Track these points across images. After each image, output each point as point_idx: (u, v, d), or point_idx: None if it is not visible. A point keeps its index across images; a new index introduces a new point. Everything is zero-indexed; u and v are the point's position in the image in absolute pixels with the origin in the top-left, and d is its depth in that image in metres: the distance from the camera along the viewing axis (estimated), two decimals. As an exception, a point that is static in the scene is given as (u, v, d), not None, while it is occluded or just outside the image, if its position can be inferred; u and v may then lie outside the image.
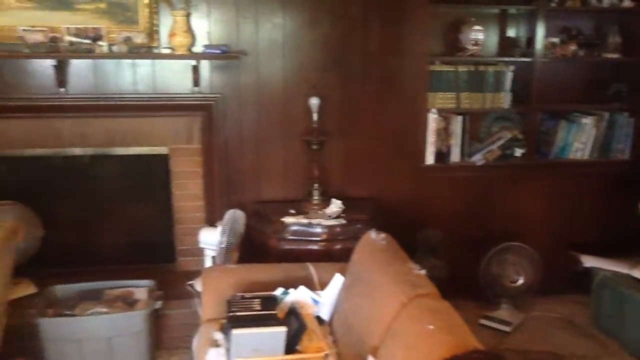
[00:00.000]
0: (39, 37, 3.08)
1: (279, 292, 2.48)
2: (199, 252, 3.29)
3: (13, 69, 3.23)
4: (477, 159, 3.66)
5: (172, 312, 3.18)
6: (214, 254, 3.15)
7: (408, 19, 3.49)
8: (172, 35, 3.18)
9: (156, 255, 3.59)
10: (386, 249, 2.50)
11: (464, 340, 1.81)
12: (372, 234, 2.59)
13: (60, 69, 3.20)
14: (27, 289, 3.15)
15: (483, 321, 3.53)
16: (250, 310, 2.25)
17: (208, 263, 3.22)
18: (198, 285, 3.19)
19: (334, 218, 3.22)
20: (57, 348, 2.80)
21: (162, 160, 3.45)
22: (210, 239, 3.13)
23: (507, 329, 3.47)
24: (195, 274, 3.26)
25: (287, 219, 3.19)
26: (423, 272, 2.29)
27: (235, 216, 3.13)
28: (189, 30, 3.21)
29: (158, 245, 3.60)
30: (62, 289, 3.08)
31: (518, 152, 3.73)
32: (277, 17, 3.38)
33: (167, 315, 3.17)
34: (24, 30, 3.07)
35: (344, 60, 3.48)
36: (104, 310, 2.86)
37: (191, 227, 3.46)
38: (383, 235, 2.58)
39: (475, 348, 1.75)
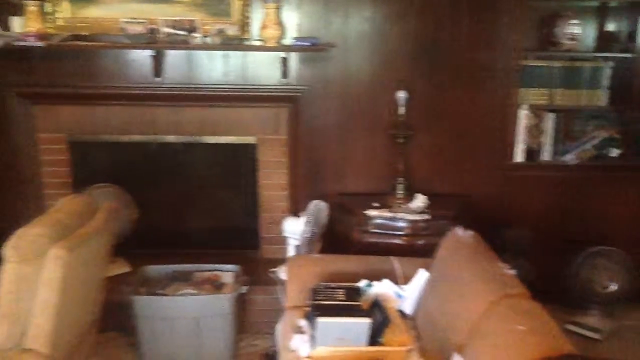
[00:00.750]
0: (139, 29, 3.22)
1: (362, 284, 2.49)
2: (282, 241, 3.36)
3: (114, 59, 3.41)
4: (570, 158, 3.52)
5: (256, 297, 3.27)
6: (297, 243, 3.20)
7: (500, 12, 3.40)
8: (263, 27, 3.25)
9: (241, 242, 3.70)
10: (473, 246, 2.46)
11: (557, 343, 1.75)
12: (459, 231, 2.55)
13: (157, 60, 3.35)
14: (122, 267, 3.33)
15: (570, 327, 3.40)
16: (335, 300, 2.27)
17: (291, 252, 3.28)
18: (281, 272, 3.26)
19: (418, 213, 3.19)
20: (149, 325, 2.95)
21: (249, 150, 3.54)
22: (294, 229, 3.18)
23: (596, 336, 3.32)
24: (278, 262, 3.33)
25: (371, 212, 3.19)
26: (513, 272, 2.23)
27: (319, 207, 3.17)
28: (280, 23, 3.26)
29: (243, 232, 3.71)
30: (154, 269, 3.24)
31: (614, 152, 3.56)
32: (366, 10, 3.38)
33: (251, 300, 3.26)
34: (125, 22, 3.23)
35: (432, 54, 3.44)
36: (193, 291, 2.98)
37: (275, 215, 3.55)
38: (470, 232, 2.53)
39: (570, 352, 1.70)
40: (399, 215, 3.16)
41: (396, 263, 2.74)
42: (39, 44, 3.15)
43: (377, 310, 2.31)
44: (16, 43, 3.16)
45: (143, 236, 3.52)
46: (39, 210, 3.53)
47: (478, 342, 1.98)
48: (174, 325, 2.94)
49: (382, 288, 2.49)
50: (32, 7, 3.18)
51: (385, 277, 2.56)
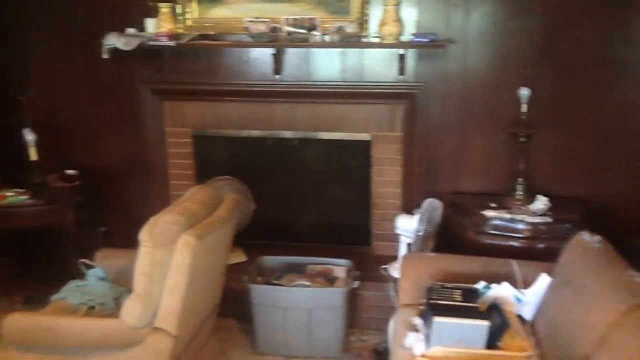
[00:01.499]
0: (261, 28, 3.34)
1: (480, 285, 2.43)
2: (394, 238, 3.35)
3: (237, 57, 3.56)
4: None
5: (367, 293, 3.29)
6: (409, 241, 3.18)
7: (635, 5, 3.17)
8: (382, 24, 3.25)
9: (352, 237, 3.73)
10: (601, 252, 2.32)
11: (702, 362, 1.62)
12: (585, 236, 2.41)
13: (277, 57, 3.45)
14: (240, 257, 3.48)
15: None
16: (451, 300, 2.24)
17: (403, 249, 3.26)
18: (393, 269, 3.26)
19: (538, 215, 3.06)
20: (263, 312, 3.06)
21: (363, 146, 3.56)
22: (407, 226, 3.16)
23: None
24: (389, 259, 3.33)
25: (488, 213, 3.10)
26: (646, 281, 2.08)
27: (433, 205, 3.13)
28: (399, 20, 3.25)
29: (355, 227, 3.74)
30: (269, 260, 3.35)
31: None
32: (488, 4, 3.29)
33: (362, 296, 3.29)
34: (249, 21, 3.36)
35: (558, 50, 3.27)
36: (307, 283, 3.06)
37: (388, 212, 3.54)
38: (597, 237, 2.39)
39: None
40: (519, 216, 3.05)
41: (515, 266, 2.64)
42: (170, 43, 3.36)
43: (495, 313, 2.24)
44: (150, 43, 3.39)
45: (258, 228, 3.66)
46: (164, 198, 3.79)
47: (605, 355, 1.87)
48: (287, 315, 3.03)
49: (501, 291, 2.42)
50: (165, 9, 3.39)
51: (504, 280, 2.48)
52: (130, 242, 3.54)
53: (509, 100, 3.28)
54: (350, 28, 3.33)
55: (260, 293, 3.05)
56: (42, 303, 2.79)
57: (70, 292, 2.79)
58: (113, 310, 2.66)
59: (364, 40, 3.36)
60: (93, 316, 2.57)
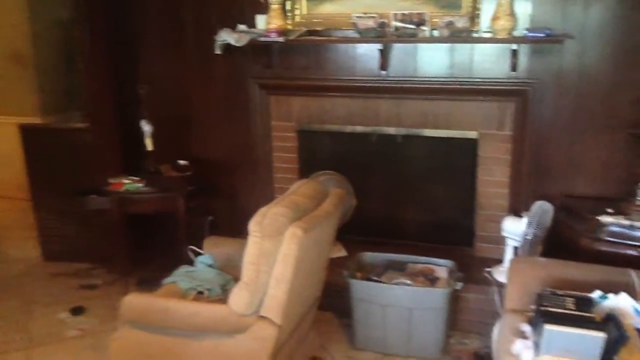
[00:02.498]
0: (369, 23, 3.33)
1: (596, 294, 2.29)
2: (499, 240, 3.25)
3: (343, 52, 3.58)
4: None
5: (469, 295, 3.20)
6: (516, 244, 3.07)
7: None
8: (494, 18, 3.14)
9: (454, 237, 3.65)
10: None
11: None
12: None
13: (384, 53, 3.43)
14: (340, 251, 3.50)
15: None
16: (564, 308, 2.13)
17: (509, 253, 3.15)
18: (497, 273, 3.16)
19: (662, 223, 2.85)
20: (363, 308, 3.06)
21: (470, 145, 3.47)
22: (515, 229, 3.05)
23: None
24: (493, 262, 3.23)
25: (604, 218, 2.92)
26: None
27: (543, 208, 2.99)
28: (512, 14, 3.12)
29: (457, 227, 3.66)
30: (370, 256, 3.35)
31: None
32: (610, -4, 3.09)
33: (464, 298, 3.20)
34: (357, 17, 3.36)
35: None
36: (408, 282, 3.02)
37: (493, 214, 3.44)
38: None
39: None
40: (638, 223, 2.85)
41: (634, 276, 2.47)
42: (279, 39, 3.43)
43: (612, 325, 2.11)
44: (260, 39, 3.48)
45: (359, 224, 3.66)
46: (268, 190, 3.89)
47: None
48: (387, 312, 3.01)
49: (619, 302, 2.26)
50: (275, 6, 3.46)
51: (622, 290, 2.33)
52: (234, 232, 3.70)
53: (631, 99, 3.07)
54: (461, 23, 3.24)
55: (361, 289, 3.05)
56: (154, 285, 2.95)
57: (180, 277, 2.93)
58: (220, 296, 2.77)
59: (475, 35, 3.26)
60: (202, 301, 2.68)
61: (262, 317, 2.38)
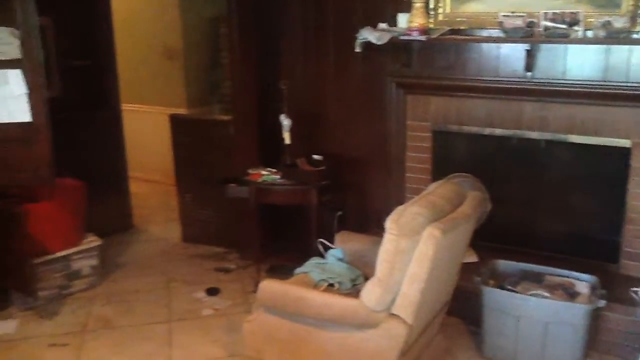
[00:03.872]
0: (517, 23, 3.20)
1: None
2: (650, 259, 3.00)
3: (486, 52, 3.47)
4: None
5: (611, 315, 2.98)
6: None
7: None
8: (660, 18, 2.90)
9: (596, 252, 3.41)
10: None
11: None
12: None
13: (531, 54, 3.28)
14: (472, 256, 3.41)
15: None
16: None
17: (661, 273, 2.90)
18: (646, 294, 2.92)
19: None
20: (494, 317, 2.96)
21: (621, 154, 3.22)
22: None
23: None
24: (641, 282, 2.99)
25: None
26: None
27: None
28: (681, 13, 2.86)
29: (600, 241, 3.42)
30: (503, 264, 3.23)
31: None
32: None
33: (605, 317, 2.99)
34: (503, 16, 3.24)
35: None
36: (545, 294, 2.88)
37: (645, 230, 3.18)
38: None
39: None
40: None
41: None
42: (421, 38, 3.40)
43: None
44: (401, 37, 3.47)
45: (493, 229, 3.53)
46: (399, 190, 3.88)
47: None
48: (520, 324, 2.89)
49: None
50: (418, 4, 3.43)
51: None
52: (362, 228, 3.73)
53: None
54: (619, 23, 3.01)
55: (493, 297, 2.95)
56: (283, 273, 3.06)
57: (312, 268, 3.00)
58: (349, 290, 2.81)
59: (635, 36, 3.02)
60: (333, 293, 2.73)
61: (393, 314, 2.38)
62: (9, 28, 3.25)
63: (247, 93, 4.11)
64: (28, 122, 3.34)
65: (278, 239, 4.24)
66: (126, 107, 5.01)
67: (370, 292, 2.38)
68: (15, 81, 3.31)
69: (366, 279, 2.92)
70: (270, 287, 2.64)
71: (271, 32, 4.17)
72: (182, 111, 5.52)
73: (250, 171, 3.82)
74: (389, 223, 2.34)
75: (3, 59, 3.29)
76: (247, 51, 4.07)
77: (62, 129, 3.54)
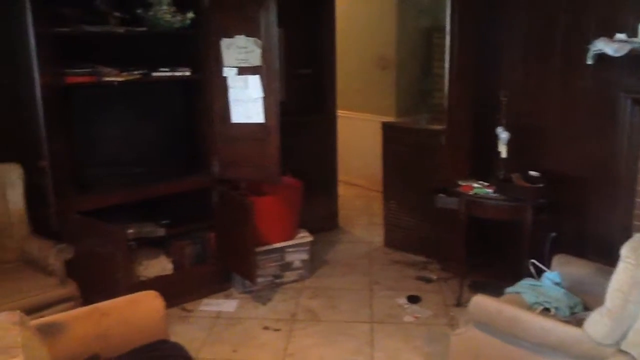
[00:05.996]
0: None
1: None
2: None
3: None
4: None
5: None
6: None
7: None
8: None
9: None
10: None
11: None
12: None
13: None
14: None
15: None
16: None
17: None
18: None
19: None
20: None
21: None
22: None
23: None
24: None
25: None
26: None
27: None
28: None
29: None
30: None
31: None
32: None
33: None
34: None
35: None
36: None
37: None
38: None
39: None
40: None
41: None
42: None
43: None
44: (644, 49, 3.17)
45: None
46: (627, 214, 3.54)
47: None
48: None
49: None
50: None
51: None
52: (578, 252, 3.47)
53: None
54: None
55: None
56: (487, 290, 2.95)
57: (525, 289, 2.88)
58: (567, 318, 2.63)
59: None
60: (550, 318, 2.58)
61: (622, 351, 2.19)
62: (253, 38, 3.62)
63: (463, 103, 4.07)
64: (262, 123, 3.70)
65: (482, 254, 4.13)
66: (339, 113, 5.27)
67: (597, 323, 2.21)
68: (253, 86, 3.68)
69: (586, 308, 2.74)
70: (483, 302, 2.58)
71: (490, 42, 4.08)
72: (390, 119, 5.65)
73: (460, 182, 3.78)
74: (627, 251, 2.15)
75: (246, 65, 3.68)
76: (465, 61, 4.04)
77: (284, 131, 3.83)
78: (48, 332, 2.13)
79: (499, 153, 3.69)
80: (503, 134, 3.65)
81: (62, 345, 2.18)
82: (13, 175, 3.46)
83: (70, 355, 2.20)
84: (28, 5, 3.03)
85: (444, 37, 4.13)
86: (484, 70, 4.10)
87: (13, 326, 1.71)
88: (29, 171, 3.46)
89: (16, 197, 3.46)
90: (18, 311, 1.86)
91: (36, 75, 3.09)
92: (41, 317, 2.43)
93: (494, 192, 3.61)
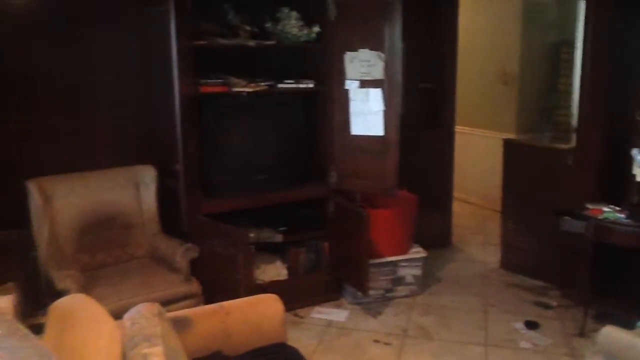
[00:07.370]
0: None
1: None
2: None
3: None
4: None
5: None
6: None
7: None
8: None
9: None
10: None
11: None
12: None
13: None
14: None
15: None
16: None
17: None
18: None
19: None
20: None
21: None
22: None
23: None
24: None
25: None
26: None
27: None
28: None
29: None
30: None
31: None
32: None
33: None
34: None
35: None
36: None
37: None
38: None
39: None
40: None
41: None
42: None
43: None
44: None
45: None
46: None
47: None
48: None
49: None
50: None
51: None
52: None
53: None
54: None
55: None
56: (614, 322, 2.75)
57: (661, 323, 2.66)
58: None
59: None
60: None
61: None
62: (377, 51, 3.66)
63: (593, 122, 3.85)
64: (381, 136, 3.71)
65: (609, 283, 3.86)
66: (457, 129, 5.18)
67: None
68: (375, 99, 3.71)
69: None
70: (615, 334, 2.42)
71: (625, 57, 3.83)
72: (510, 136, 5.46)
73: (589, 206, 3.57)
74: None
75: (368, 78, 3.72)
76: (597, 77, 3.82)
77: (401, 145, 3.81)
78: (179, 325, 2.26)
79: (633, 176, 3.46)
80: (639, 156, 3.41)
81: (190, 339, 2.30)
82: (147, 177, 3.73)
83: (196, 349, 2.32)
84: (172, 22, 3.27)
85: (573, 52, 3.94)
86: (617, 87, 3.86)
87: (153, 317, 1.84)
88: (162, 173, 3.72)
89: (149, 197, 3.72)
90: (157, 303, 2.00)
91: (176, 85, 3.33)
92: (168, 311, 2.59)
93: (626, 218, 3.39)
